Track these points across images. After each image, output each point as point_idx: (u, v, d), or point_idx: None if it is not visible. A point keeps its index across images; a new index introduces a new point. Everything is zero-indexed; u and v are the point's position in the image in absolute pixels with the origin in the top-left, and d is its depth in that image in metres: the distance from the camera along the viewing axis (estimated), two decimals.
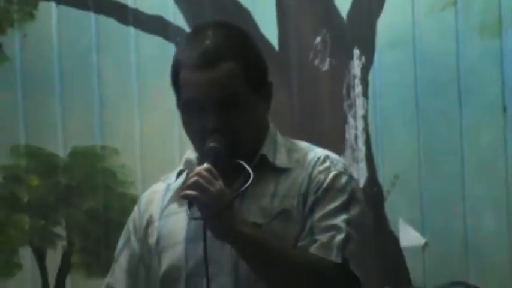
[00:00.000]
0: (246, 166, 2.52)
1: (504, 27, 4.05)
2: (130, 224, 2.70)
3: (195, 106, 2.60)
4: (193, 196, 2.40)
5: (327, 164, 2.60)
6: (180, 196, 2.47)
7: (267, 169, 2.58)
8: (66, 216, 4.31)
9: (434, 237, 4.04)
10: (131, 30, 4.23)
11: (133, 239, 2.69)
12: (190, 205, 2.42)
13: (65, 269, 4.24)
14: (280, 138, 2.67)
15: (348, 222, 2.52)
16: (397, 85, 4.12)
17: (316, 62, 4.15)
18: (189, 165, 2.60)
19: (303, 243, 2.49)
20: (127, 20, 4.25)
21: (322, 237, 2.50)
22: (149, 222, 2.66)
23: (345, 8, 4.14)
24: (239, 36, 2.63)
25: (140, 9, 4.26)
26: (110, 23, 4.25)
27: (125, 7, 4.27)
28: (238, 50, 2.61)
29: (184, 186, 2.44)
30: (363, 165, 4.11)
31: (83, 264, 4.25)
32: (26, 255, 4.26)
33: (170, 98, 2.50)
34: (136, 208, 2.69)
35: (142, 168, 4.21)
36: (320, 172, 2.58)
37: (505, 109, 4.00)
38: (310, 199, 2.54)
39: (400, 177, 4.05)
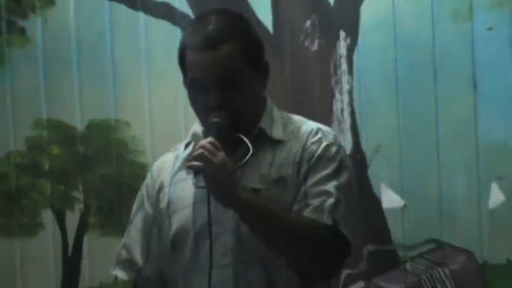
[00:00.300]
0: (246, 140, 2.71)
1: (475, 11, 4.24)
2: (143, 190, 2.92)
3: (199, 84, 2.76)
4: (198, 167, 2.60)
5: (319, 135, 2.81)
6: (186, 167, 2.68)
7: (265, 141, 2.80)
8: (84, 182, 4.50)
9: (412, 200, 4.23)
10: (141, 15, 4.40)
11: (146, 203, 2.91)
12: (195, 174, 2.62)
13: (82, 228, 4.45)
14: (276, 112, 2.87)
15: (337, 188, 2.73)
16: (379, 64, 4.30)
17: (306, 43, 4.34)
18: (195, 137, 2.78)
19: (298, 207, 2.72)
20: (136, 6, 4.42)
21: (315, 202, 2.72)
22: (160, 188, 2.89)
23: None
24: (238, 21, 2.80)
25: None
26: (121, 9, 4.41)
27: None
28: (237, 33, 2.78)
29: (190, 157, 2.65)
30: (348, 135, 4.29)
31: (98, 224, 4.44)
32: (47, 216, 4.44)
33: (176, 77, 2.72)
34: (148, 175, 2.93)
35: (151, 139, 4.37)
36: (313, 143, 2.79)
37: (475, 85, 4.20)
38: (304, 167, 2.76)
39: (381, 147, 4.25)
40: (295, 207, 2.73)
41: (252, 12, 4.30)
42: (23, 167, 4.57)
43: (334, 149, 2.80)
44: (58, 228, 4.48)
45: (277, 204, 2.72)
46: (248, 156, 2.72)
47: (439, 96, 4.28)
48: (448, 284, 4.29)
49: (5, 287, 4.57)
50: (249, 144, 2.71)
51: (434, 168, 4.29)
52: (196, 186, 2.68)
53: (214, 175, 2.61)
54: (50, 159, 4.53)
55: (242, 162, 2.69)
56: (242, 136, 2.75)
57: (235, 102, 2.80)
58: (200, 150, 2.62)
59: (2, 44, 4.58)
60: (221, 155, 2.63)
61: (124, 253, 2.92)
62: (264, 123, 2.85)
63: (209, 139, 2.65)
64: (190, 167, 2.61)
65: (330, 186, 2.73)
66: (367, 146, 4.34)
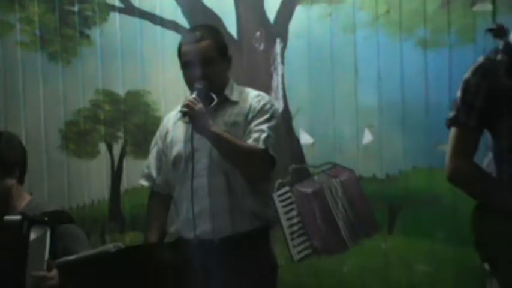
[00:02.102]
0: (214, 96, 3.69)
1: (356, 27, 4.96)
2: (157, 133, 3.97)
3: (188, 65, 3.73)
4: (185, 111, 3.57)
5: (259, 98, 3.81)
6: (179, 111, 3.64)
7: (227, 102, 3.77)
8: (124, 126, 5.27)
9: (318, 139, 5.03)
10: (158, 27, 5.18)
11: (159, 141, 3.95)
12: (184, 115, 3.59)
13: (122, 154, 5.27)
14: (235, 85, 3.85)
15: (269, 128, 3.70)
16: (299, 58, 5.06)
17: (256, 45, 5.09)
18: (186, 99, 3.63)
19: (245, 139, 3.68)
20: (156, 22, 5.18)
21: (255, 135, 3.68)
22: (167, 132, 3.90)
23: (272, 15, 5.08)
24: (213, 30, 3.87)
25: (161, 15, 5.19)
26: (147, 23, 5.20)
27: (153, 15, 5.18)
28: (211, 35, 3.78)
29: (181, 106, 3.62)
30: (281, 102, 5.04)
31: (131, 152, 5.25)
32: (102, 147, 5.28)
33: (178, 63, 3.81)
34: (161, 124, 3.99)
35: (164, 102, 5.12)
36: (255, 102, 3.77)
37: (356, 72, 4.97)
38: (250, 116, 3.74)
39: (300, 108, 5.06)
40: (243, 139, 3.69)
41: (223, 26, 5.01)
42: (88, 117, 5.29)
43: (268, 105, 3.78)
44: (108, 154, 5.31)
45: (233, 136, 3.65)
46: (214, 104, 3.65)
47: (335, 78, 5.00)
48: (339, 189, 5.00)
49: (77, 190, 5.21)
50: (215, 97, 3.68)
51: (331, 120, 5.01)
52: (185, 122, 3.68)
53: (195, 116, 3.56)
54: (104, 113, 5.29)
55: (211, 105, 3.63)
56: (212, 94, 3.69)
57: (209, 76, 3.71)
58: (187, 102, 3.57)
59: (76, 44, 5.26)
60: (199, 105, 3.57)
61: (146, 170, 3.99)
62: (227, 91, 3.79)
63: (193, 95, 3.63)
64: (181, 111, 3.59)
65: (264, 126, 3.71)
66: (292, 108, 5.08)
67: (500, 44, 3.29)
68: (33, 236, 3.48)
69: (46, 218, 3.54)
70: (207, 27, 3.97)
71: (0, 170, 3.68)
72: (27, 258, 3.42)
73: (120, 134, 5.27)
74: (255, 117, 3.78)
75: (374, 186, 4.98)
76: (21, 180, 3.79)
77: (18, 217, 3.51)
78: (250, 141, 3.71)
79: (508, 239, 3.19)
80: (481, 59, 3.32)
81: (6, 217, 3.55)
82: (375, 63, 4.97)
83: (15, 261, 3.44)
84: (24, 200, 3.78)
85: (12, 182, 3.72)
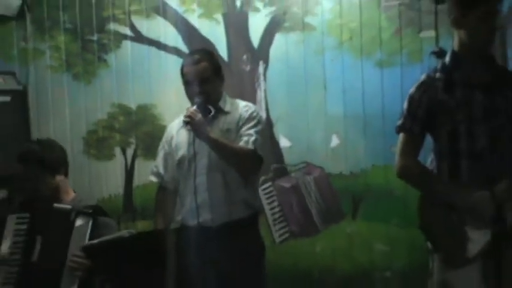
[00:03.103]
0: (211, 108, 3.77)
1: (325, 50, 4.89)
2: (163, 139, 4.02)
3: (189, 83, 3.80)
4: (187, 121, 3.66)
5: (247, 107, 3.87)
6: (182, 121, 3.74)
7: (221, 112, 3.83)
8: (135, 134, 5.23)
9: (294, 142, 5.00)
10: (162, 52, 5.17)
11: (165, 145, 3.99)
12: (186, 124, 3.69)
13: (134, 157, 5.24)
14: (227, 98, 3.91)
15: (256, 132, 3.78)
16: (279, 76, 5.02)
17: (243, 66, 5.05)
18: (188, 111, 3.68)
19: (237, 142, 3.75)
20: (161, 48, 5.16)
21: (245, 138, 3.75)
22: (171, 137, 3.95)
23: (256, 41, 5.03)
24: (209, 53, 3.96)
25: (165, 42, 5.15)
26: (153, 49, 5.19)
27: (158, 42, 5.17)
28: (208, 58, 3.85)
29: (184, 116, 3.69)
30: (264, 112, 4.97)
31: (142, 154, 5.24)
32: (117, 150, 5.29)
33: (180, 81, 3.86)
34: (166, 132, 4.04)
35: (168, 113, 5.03)
36: (244, 111, 3.83)
37: (325, 87, 4.92)
38: (240, 123, 3.79)
39: (280, 117, 5.02)
40: (236, 141, 3.76)
41: (217, 51, 4.95)
42: (105, 126, 5.28)
43: (254, 113, 3.85)
44: (122, 156, 5.29)
45: (227, 141, 3.74)
46: (211, 114, 3.75)
47: (308, 93, 4.96)
48: (312, 184, 4.96)
49: (97, 186, 5.20)
50: (212, 109, 3.78)
51: (305, 127, 4.95)
52: (187, 129, 3.75)
53: (196, 125, 3.65)
54: (119, 123, 5.27)
55: (210, 115, 3.74)
56: (210, 106, 3.77)
57: (206, 92, 3.78)
58: (190, 111, 3.66)
59: (95, 67, 5.27)
60: (199, 116, 3.66)
61: (154, 169, 4.04)
62: (221, 103, 3.85)
63: (193, 108, 3.70)
64: (184, 121, 3.71)
65: (252, 131, 3.78)
66: (273, 117, 5.04)
67: (439, 64, 3.47)
68: (78, 223, 3.70)
69: (90, 211, 3.75)
70: (204, 51, 4.02)
71: (50, 169, 3.90)
72: (70, 241, 3.63)
73: (132, 140, 5.31)
74: (244, 124, 3.83)
75: (340, 181, 4.99)
76: (66, 175, 4.00)
77: (69, 206, 3.76)
78: (241, 144, 3.76)
79: (443, 223, 3.33)
80: (423, 76, 3.50)
81: (56, 205, 3.81)
82: (340, 80, 4.97)
83: (61, 242, 3.67)
84: (70, 194, 3.99)
85: (60, 177, 3.95)
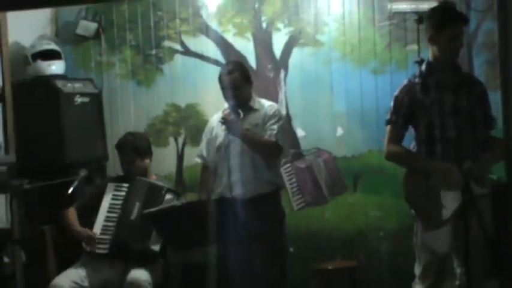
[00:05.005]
0: (240, 111, 3.83)
1: (332, 63, 4.82)
2: (206, 130, 4.10)
3: (225, 88, 3.88)
4: (223, 120, 3.80)
5: (271, 106, 3.93)
6: (219, 121, 3.87)
7: (251, 110, 3.89)
8: (184, 126, 5.14)
9: (308, 132, 4.92)
10: (204, 63, 5.08)
11: (208, 134, 4.06)
12: (222, 123, 3.81)
13: (184, 144, 5.15)
14: (256, 98, 3.97)
15: (278, 127, 3.85)
16: (296, 81, 4.96)
17: (268, 73, 4.97)
18: (224, 109, 3.88)
19: (263, 134, 3.82)
20: (203, 59, 5.08)
21: (269, 132, 3.81)
22: (212, 128, 4.03)
23: (278, 54, 4.97)
24: (240, 64, 4.07)
25: (207, 55, 5.05)
26: (198, 61, 5.11)
27: (202, 55, 5.07)
28: (239, 69, 3.92)
29: (221, 116, 3.82)
30: (284, 110, 4.73)
31: (189, 142, 5.12)
32: (171, 140, 5.19)
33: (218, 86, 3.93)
34: (207, 125, 4.13)
35: (209, 110, 4.88)
36: (269, 110, 3.90)
37: (332, 90, 4.83)
38: (265, 119, 3.85)
39: (297, 114, 4.95)
40: (262, 134, 3.83)
41: (247, 62, 4.89)
42: (162, 121, 5.19)
43: (277, 111, 3.91)
44: (175, 143, 5.19)
45: (256, 134, 3.83)
46: (241, 117, 3.86)
47: (318, 94, 4.91)
48: (322, 165, 4.90)
49: (155, 168, 4.62)
50: (241, 113, 3.86)
51: (316, 121, 4.91)
52: (224, 128, 3.86)
53: (229, 124, 3.81)
54: (172, 118, 5.18)
55: (240, 117, 3.84)
56: (240, 110, 3.85)
57: (240, 95, 3.88)
58: (225, 113, 3.83)
59: (154, 74, 5.18)
60: (232, 116, 3.81)
61: (199, 152, 4.11)
62: (251, 103, 3.91)
63: (228, 110, 3.86)
64: (220, 121, 3.86)
65: (275, 126, 3.85)
66: (291, 112, 4.95)
67: (416, 71, 3.56)
68: (167, 197, 4.01)
69: (175, 189, 4.11)
70: (236, 63, 4.08)
71: (141, 154, 4.17)
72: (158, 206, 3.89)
73: (182, 131, 5.23)
74: (269, 120, 3.88)
75: (344, 163, 4.96)
76: (151, 160, 4.26)
77: (161, 183, 4.09)
78: (266, 136, 3.83)
79: (422, 193, 3.40)
80: (405, 81, 3.62)
81: (152, 181, 4.14)
82: (343, 84, 4.92)
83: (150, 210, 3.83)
84: (153, 176, 4.27)
85: (147, 161, 4.23)
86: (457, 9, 3.63)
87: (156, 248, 3.92)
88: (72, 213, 4.10)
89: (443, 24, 3.34)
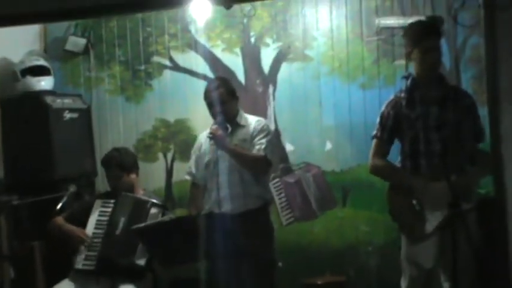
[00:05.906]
0: (228, 126, 3.79)
1: (321, 77, 4.84)
2: (195, 146, 4.05)
3: (211, 104, 3.82)
4: (211, 137, 3.75)
5: (259, 121, 3.89)
6: (207, 136, 3.83)
7: (238, 126, 3.84)
8: (174, 141, 5.14)
9: (296, 147, 4.94)
10: (194, 79, 5.09)
11: (196, 151, 4.02)
12: (210, 139, 3.76)
13: (173, 159, 5.15)
14: (242, 113, 3.91)
15: (267, 141, 3.81)
16: (284, 96, 4.98)
17: (257, 88, 5.01)
18: (211, 126, 3.78)
19: (251, 149, 3.77)
20: (194, 75, 5.10)
21: (257, 147, 3.77)
22: (201, 145, 4.00)
23: (266, 69, 4.98)
24: (225, 80, 3.98)
25: (196, 70, 5.06)
26: (187, 76, 5.13)
27: (191, 70, 5.08)
28: (225, 84, 3.86)
29: (209, 132, 3.76)
30: (273, 124, 4.91)
31: (179, 157, 5.11)
32: (160, 155, 5.18)
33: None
34: (197, 140, 4.08)
35: (198, 126, 4.91)
36: (257, 125, 3.86)
37: (320, 104, 4.86)
38: (254, 134, 3.81)
39: (285, 128, 4.96)
40: (250, 149, 3.79)
41: (236, 77, 4.97)
42: (151, 136, 5.20)
43: (265, 126, 3.87)
44: (164, 159, 5.19)
45: (243, 150, 3.79)
46: (229, 131, 3.80)
47: (307, 109, 4.92)
48: (311, 179, 4.89)
49: (144, 182, 4.71)
50: (229, 127, 3.81)
51: (305, 135, 4.90)
52: (211, 144, 3.83)
53: (217, 139, 3.74)
54: (161, 133, 5.20)
55: (228, 132, 3.79)
56: (228, 125, 3.81)
57: (226, 111, 3.82)
58: (212, 129, 3.75)
59: (143, 90, 5.19)
60: (220, 131, 3.73)
61: (188, 169, 4.07)
62: (237, 119, 3.86)
63: (216, 125, 3.77)
64: (208, 137, 3.81)
65: (263, 140, 3.81)
66: (280, 127, 4.98)
67: (403, 86, 3.58)
68: (152, 211, 4.00)
69: (161, 203, 4.06)
70: (221, 78, 4.05)
71: (127, 170, 4.16)
72: (145, 222, 3.91)
73: (171, 146, 5.23)
74: (257, 134, 3.85)
75: (333, 177, 4.95)
76: (137, 175, 4.24)
77: (147, 198, 4.06)
78: (254, 151, 3.79)
79: (405, 207, 3.43)
80: (391, 96, 3.64)
81: (137, 196, 4.12)
82: (332, 98, 4.93)
83: (139, 223, 3.86)
84: (140, 191, 4.25)
85: (134, 176, 4.22)
86: (431, 24, 3.68)
87: (141, 262, 3.91)
88: (60, 219, 4.11)
89: (417, 39, 3.37)
